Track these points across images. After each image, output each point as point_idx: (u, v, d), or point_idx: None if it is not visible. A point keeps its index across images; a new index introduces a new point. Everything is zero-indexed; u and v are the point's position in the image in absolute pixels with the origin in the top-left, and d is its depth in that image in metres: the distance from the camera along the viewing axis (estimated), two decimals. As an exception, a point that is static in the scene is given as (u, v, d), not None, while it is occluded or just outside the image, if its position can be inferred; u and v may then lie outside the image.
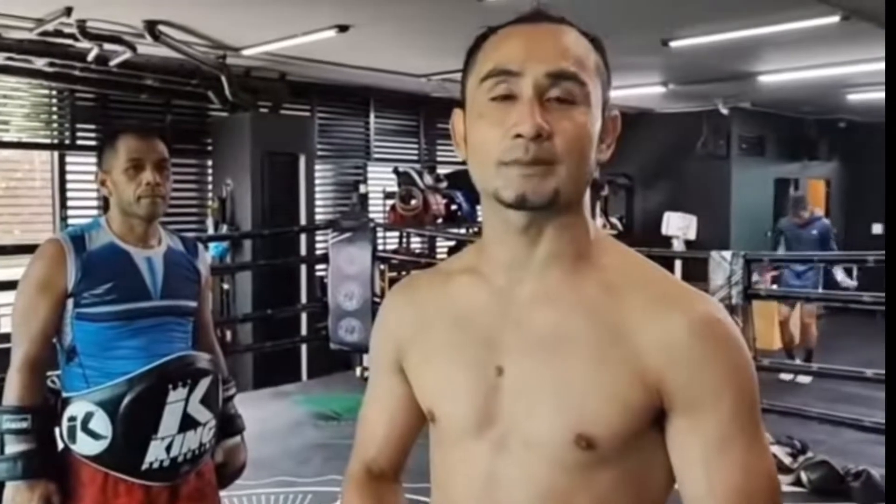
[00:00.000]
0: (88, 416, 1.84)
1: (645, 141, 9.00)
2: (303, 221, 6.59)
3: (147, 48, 5.38)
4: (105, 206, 2.31)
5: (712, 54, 5.93)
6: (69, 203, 6.04)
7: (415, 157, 8.26)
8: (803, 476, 4.09)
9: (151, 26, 5.07)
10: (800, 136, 9.88)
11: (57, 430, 1.90)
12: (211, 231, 6.42)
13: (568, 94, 0.89)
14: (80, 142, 6.10)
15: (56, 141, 6.05)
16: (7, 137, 5.86)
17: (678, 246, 8.25)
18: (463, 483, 0.97)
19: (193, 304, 2.05)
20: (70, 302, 1.86)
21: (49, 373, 1.94)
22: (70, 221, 6.04)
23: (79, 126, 6.08)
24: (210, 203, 6.59)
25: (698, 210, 8.54)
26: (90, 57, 5.41)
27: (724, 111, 8.38)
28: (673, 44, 5.45)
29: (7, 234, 6.27)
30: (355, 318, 5.88)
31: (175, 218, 6.44)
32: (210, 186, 6.71)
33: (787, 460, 4.21)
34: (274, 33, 5.36)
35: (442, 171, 8.02)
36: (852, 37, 5.31)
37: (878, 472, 4.02)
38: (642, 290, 0.91)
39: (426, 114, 8.26)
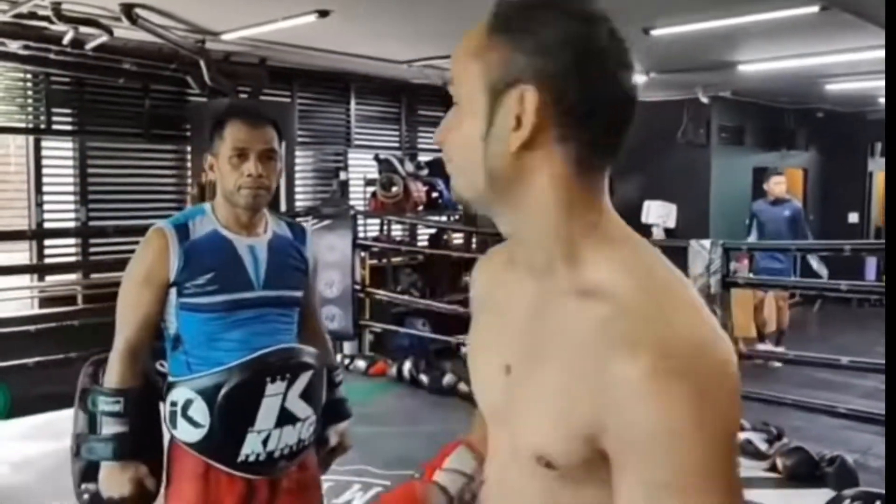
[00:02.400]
0: (188, 403, 1.84)
1: (625, 129, 9.02)
2: (283, 208, 6.55)
3: (124, 32, 5.30)
4: (201, 195, 2.23)
5: (693, 43, 5.95)
6: (44, 188, 5.95)
7: (396, 145, 8.23)
8: (779, 462, 4.14)
9: (128, 9, 4.99)
10: (778, 126, 9.95)
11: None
12: (190, 217, 6.36)
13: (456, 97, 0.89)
14: (55, 126, 6.01)
15: (31, 125, 5.95)
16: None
17: (658, 234, 8.30)
18: (491, 468, 1.00)
19: (298, 293, 1.98)
20: (174, 291, 1.85)
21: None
22: (45, 207, 5.96)
23: (54, 110, 5.99)
24: (189, 189, 6.52)
25: (678, 198, 8.59)
26: (66, 40, 5.33)
27: (705, 100, 8.42)
28: (654, 32, 5.45)
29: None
30: (336, 305, 5.87)
31: (153, 204, 6.37)
32: (189, 172, 6.64)
33: (762, 447, 4.26)
34: (253, 17, 5.30)
35: (423, 158, 8.00)
36: (831, 27, 5.34)
37: (851, 458, 4.09)
38: (622, 310, 0.79)
39: (407, 100, 8.22)
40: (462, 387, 5.46)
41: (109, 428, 1.84)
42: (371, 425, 4.79)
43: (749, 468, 4.06)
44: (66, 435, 4.43)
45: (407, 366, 5.77)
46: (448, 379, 5.56)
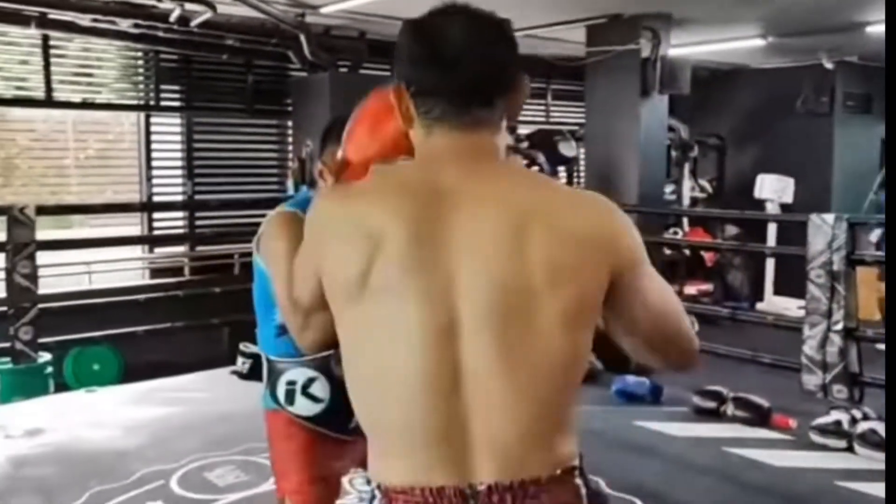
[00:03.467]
0: (310, 382, 1.95)
1: (738, 99, 8.52)
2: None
3: (227, 7, 5.36)
4: (301, 169, 2.13)
5: (817, 2, 5.50)
6: (154, 163, 6.14)
7: (496, 117, 8.07)
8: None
9: (230, -16, 5.05)
10: (911, 93, 9.17)
11: (264, 392, 2.02)
12: (291, 192, 6.44)
13: None
14: (164, 102, 6.18)
15: (142, 102, 6.15)
16: (98, 99, 6.00)
17: (772, 210, 7.81)
18: None
19: None
20: None
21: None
22: (154, 181, 6.16)
23: (163, 87, 6.17)
24: (290, 164, 6.60)
25: (796, 172, 8.04)
26: (172, 17, 5.45)
27: (829, 66, 7.83)
28: (773, -9, 5.07)
29: (100, 194, 6.45)
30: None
31: (255, 179, 6.49)
32: (290, 147, 6.72)
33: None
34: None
35: (523, 130, 7.82)
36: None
37: None
38: None
39: (508, 72, 8.03)
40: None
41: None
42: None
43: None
44: (173, 401, 4.57)
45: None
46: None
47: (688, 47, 6.65)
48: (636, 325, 1.14)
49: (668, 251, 7.37)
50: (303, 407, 1.96)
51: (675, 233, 7.67)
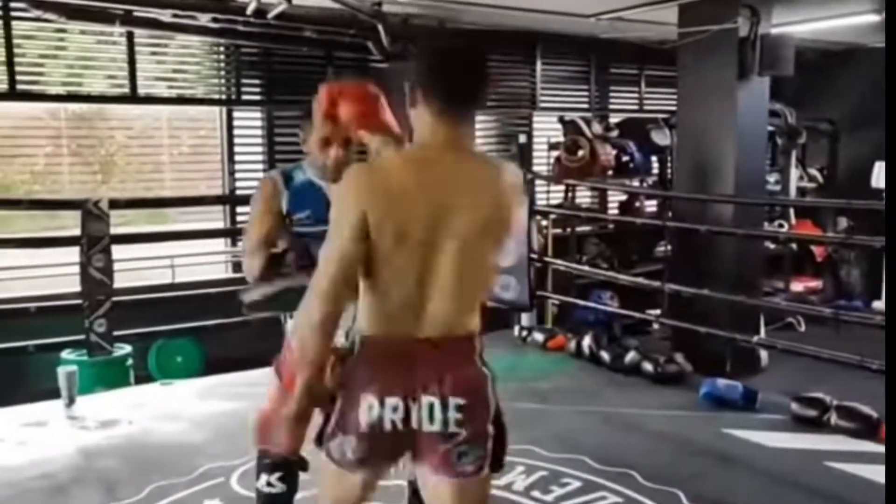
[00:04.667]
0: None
1: (852, 81, 7.86)
2: (462, 174, 6.36)
3: (303, -1, 5.33)
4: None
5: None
6: (236, 157, 6.18)
7: (584, 106, 7.75)
8: None
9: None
10: None
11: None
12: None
13: None
14: (245, 97, 6.21)
15: (224, 97, 6.19)
16: (183, 94, 6.08)
17: (891, 200, 7.15)
18: None
19: None
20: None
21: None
22: (237, 175, 6.20)
23: (244, 81, 6.19)
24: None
25: (918, 159, 7.33)
26: (249, 10, 5.45)
27: (955, 41, 7.10)
28: (887, -44, 4.56)
29: (193, 189, 6.55)
30: (511, 274, 5.58)
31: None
32: (370, 139, 6.62)
33: None
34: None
35: (614, 119, 7.47)
36: None
37: None
38: None
39: (597, 58, 7.70)
40: (646, 366, 4.98)
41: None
42: (542, 402, 4.50)
43: None
44: (243, 396, 4.54)
45: (587, 341, 5.37)
46: (631, 357, 5.10)
47: (791, 26, 6.15)
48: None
49: (771, 245, 6.88)
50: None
51: (781, 225, 7.14)
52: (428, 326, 1.70)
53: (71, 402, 4.37)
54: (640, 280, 5.79)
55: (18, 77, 5.43)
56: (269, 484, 2.55)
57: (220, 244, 6.33)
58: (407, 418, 1.68)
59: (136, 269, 5.65)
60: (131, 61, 5.75)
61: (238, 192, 6.21)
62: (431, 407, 1.68)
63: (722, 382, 4.45)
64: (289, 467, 2.51)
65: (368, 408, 1.68)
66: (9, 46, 5.36)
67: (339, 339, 2.25)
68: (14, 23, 5.35)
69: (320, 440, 1.80)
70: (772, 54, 5.57)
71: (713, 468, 3.63)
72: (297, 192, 2.48)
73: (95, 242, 4.60)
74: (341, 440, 1.73)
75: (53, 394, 4.45)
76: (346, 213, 1.68)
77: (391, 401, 1.67)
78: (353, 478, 1.78)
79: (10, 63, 5.36)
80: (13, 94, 5.43)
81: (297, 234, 2.43)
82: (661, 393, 4.72)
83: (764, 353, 5.32)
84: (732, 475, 3.57)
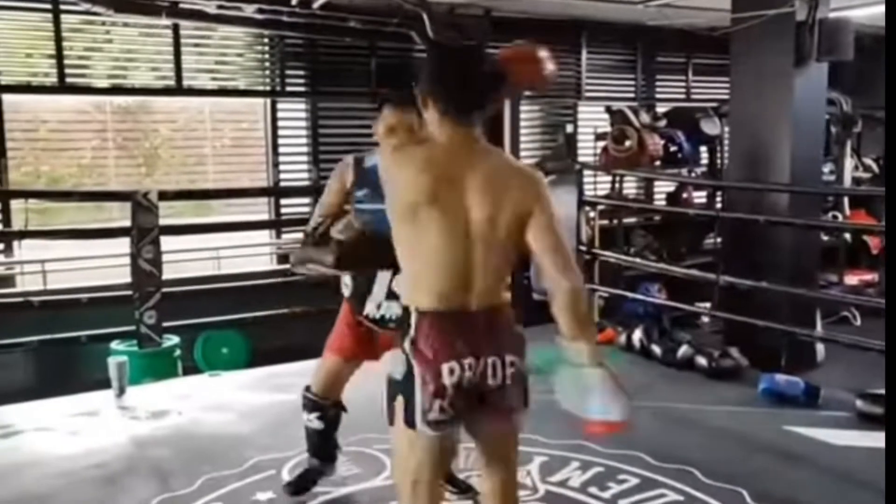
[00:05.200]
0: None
1: (911, 66, 7.60)
2: (507, 165, 6.27)
3: (348, -13, 5.28)
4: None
5: None
6: (280, 149, 6.16)
7: (631, 95, 7.60)
8: None
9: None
10: None
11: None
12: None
13: None
14: (289, 88, 6.19)
15: (268, 88, 6.18)
16: (227, 86, 6.08)
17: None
18: None
19: None
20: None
21: None
22: (281, 167, 6.18)
23: (288, 73, 6.17)
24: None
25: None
26: (294, 0, 5.41)
27: None
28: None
29: (235, 181, 6.57)
30: (559, 266, 5.48)
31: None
32: (415, 130, 6.57)
33: None
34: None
35: (661, 108, 7.32)
36: None
37: None
38: None
39: (644, 46, 7.54)
40: (700, 360, 4.86)
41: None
42: (594, 397, 4.39)
43: None
44: (290, 388, 4.50)
45: (637, 334, 5.25)
46: (684, 351, 4.97)
47: (850, 10, 5.95)
48: (536, 243, 2.01)
49: (825, 236, 6.67)
50: (346, 290, 2.93)
51: (835, 216, 6.94)
52: (475, 299, 1.99)
53: (121, 392, 4.39)
54: (694, 272, 5.65)
55: (67, 71, 5.47)
56: (310, 421, 3.10)
57: (264, 236, 6.33)
58: (478, 376, 1.98)
59: (180, 260, 5.67)
60: (177, 53, 5.77)
61: (282, 183, 6.21)
62: (494, 365, 1.99)
63: (782, 378, 4.31)
64: (324, 409, 3.06)
65: (450, 371, 1.96)
66: (58, 40, 5.39)
67: (371, 310, 2.86)
68: (62, 16, 5.38)
69: (410, 420, 1.99)
70: (830, 39, 5.38)
71: (777, 466, 3.51)
72: (364, 174, 2.77)
73: (145, 234, 4.61)
74: (428, 408, 1.96)
75: (103, 384, 4.47)
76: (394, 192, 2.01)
77: (467, 362, 1.97)
78: (435, 441, 2.02)
79: (59, 57, 5.40)
80: (63, 88, 5.47)
81: (357, 210, 2.77)
82: (717, 388, 4.59)
83: (820, 347, 5.15)
84: (797, 474, 3.44)
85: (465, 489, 3.17)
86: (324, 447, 3.16)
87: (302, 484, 3.19)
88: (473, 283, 1.98)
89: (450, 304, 1.98)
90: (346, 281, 2.93)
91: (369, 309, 2.84)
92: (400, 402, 2.01)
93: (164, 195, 4.93)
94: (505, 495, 2.19)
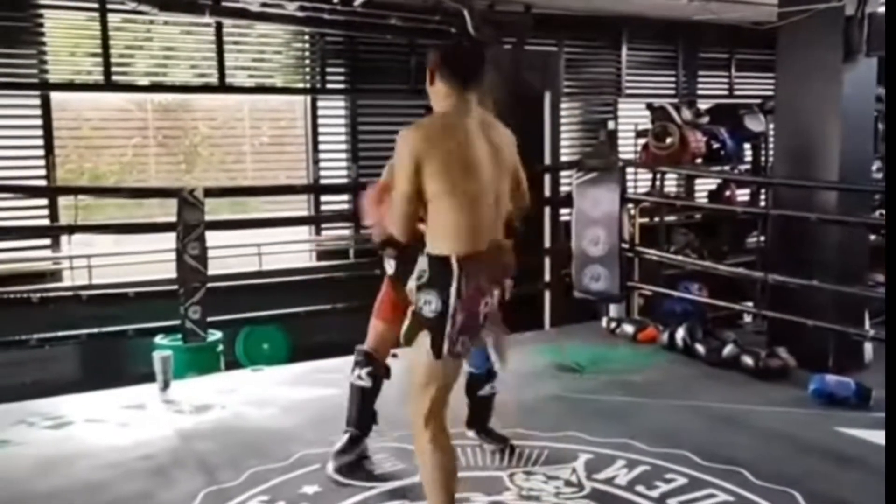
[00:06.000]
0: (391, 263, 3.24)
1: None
2: (547, 161, 6.23)
3: (389, -15, 5.28)
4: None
5: None
6: (320, 146, 6.19)
7: (672, 92, 7.51)
8: None
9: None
10: None
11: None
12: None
13: None
14: (329, 85, 6.21)
15: (309, 85, 6.21)
16: (265, 83, 6.12)
17: None
18: None
19: None
20: None
21: None
22: (321, 165, 6.21)
23: (328, 70, 6.20)
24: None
25: None
26: (335, -3, 5.43)
27: None
28: None
29: (273, 179, 6.61)
30: (601, 265, 5.44)
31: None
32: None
33: None
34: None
35: (703, 105, 7.22)
36: None
37: None
38: None
39: (686, 42, 7.45)
40: (746, 360, 4.78)
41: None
42: (638, 395, 4.35)
43: None
44: (332, 383, 4.52)
45: (681, 333, 5.18)
46: (729, 350, 4.89)
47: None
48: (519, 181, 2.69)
49: (872, 236, 6.53)
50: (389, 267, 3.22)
51: (882, 215, 6.78)
52: (488, 238, 2.43)
53: (166, 386, 4.43)
54: (740, 270, 5.56)
55: (113, 69, 5.55)
56: (359, 377, 3.28)
57: (304, 232, 6.37)
58: (494, 305, 2.50)
59: (220, 256, 5.72)
60: (219, 51, 5.82)
61: (322, 181, 6.23)
62: (503, 288, 2.55)
63: (832, 378, 4.22)
64: (376, 365, 3.28)
65: (485, 304, 2.45)
66: (105, 38, 5.47)
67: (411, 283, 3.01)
68: (108, 15, 5.46)
69: (438, 352, 2.36)
70: (880, 34, 5.27)
71: (829, 468, 3.43)
72: None
73: (191, 230, 4.66)
74: (455, 341, 2.35)
75: (148, 377, 4.52)
76: (405, 164, 2.39)
77: (494, 290, 2.48)
78: (453, 364, 2.44)
79: (105, 55, 5.48)
80: (108, 86, 5.55)
81: None
82: (763, 388, 4.51)
83: (868, 348, 5.04)
84: (850, 476, 3.37)
85: (500, 440, 3.51)
86: (364, 413, 3.32)
87: (348, 457, 3.34)
88: (496, 227, 2.47)
89: (475, 246, 2.39)
90: (391, 262, 3.22)
91: (411, 285, 2.99)
92: (424, 336, 2.38)
93: (209, 192, 4.98)
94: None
